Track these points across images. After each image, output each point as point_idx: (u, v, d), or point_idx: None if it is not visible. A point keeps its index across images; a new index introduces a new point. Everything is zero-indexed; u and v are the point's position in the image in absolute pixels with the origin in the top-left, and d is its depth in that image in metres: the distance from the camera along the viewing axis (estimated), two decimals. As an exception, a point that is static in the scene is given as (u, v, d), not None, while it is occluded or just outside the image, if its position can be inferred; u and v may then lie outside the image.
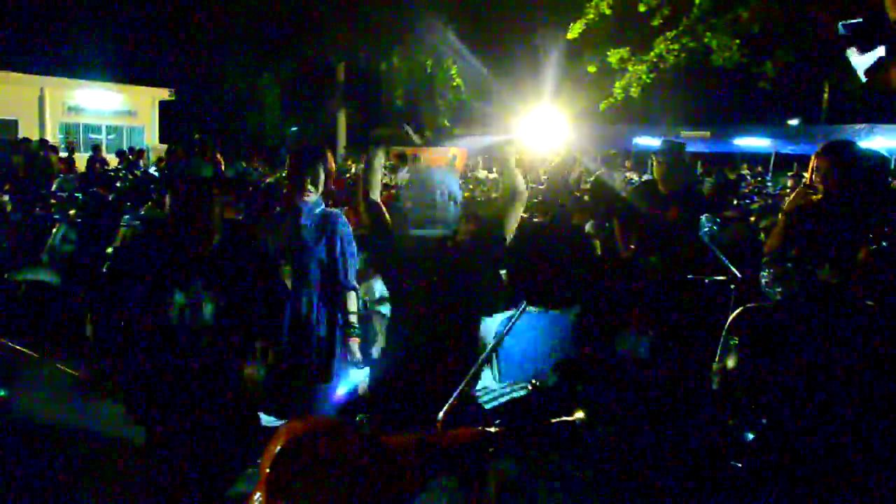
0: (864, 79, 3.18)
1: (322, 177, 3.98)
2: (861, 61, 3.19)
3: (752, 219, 9.18)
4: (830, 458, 2.85)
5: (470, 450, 1.31)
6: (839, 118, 24.15)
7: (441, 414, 1.30)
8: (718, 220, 3.42)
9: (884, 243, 2.72)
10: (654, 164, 4.75)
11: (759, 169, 20.54)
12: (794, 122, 30.46)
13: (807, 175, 3.40)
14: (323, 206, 4.04)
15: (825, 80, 24.38)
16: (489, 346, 1.39)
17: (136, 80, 27.34)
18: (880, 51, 3.22)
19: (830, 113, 26.70)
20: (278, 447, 1.12)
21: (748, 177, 19.09)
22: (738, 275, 3.12)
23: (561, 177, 8.46)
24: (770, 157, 21.97)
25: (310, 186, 3.88)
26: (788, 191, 15.17)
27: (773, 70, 19.27)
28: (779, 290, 2.86)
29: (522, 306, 1.55)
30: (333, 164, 11.97)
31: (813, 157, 3.35)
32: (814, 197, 3.12)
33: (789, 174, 19.18)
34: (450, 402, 1.30)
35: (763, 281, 2.89)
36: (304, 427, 1.14)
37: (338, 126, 28.11)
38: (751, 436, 2.82)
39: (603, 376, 3.78)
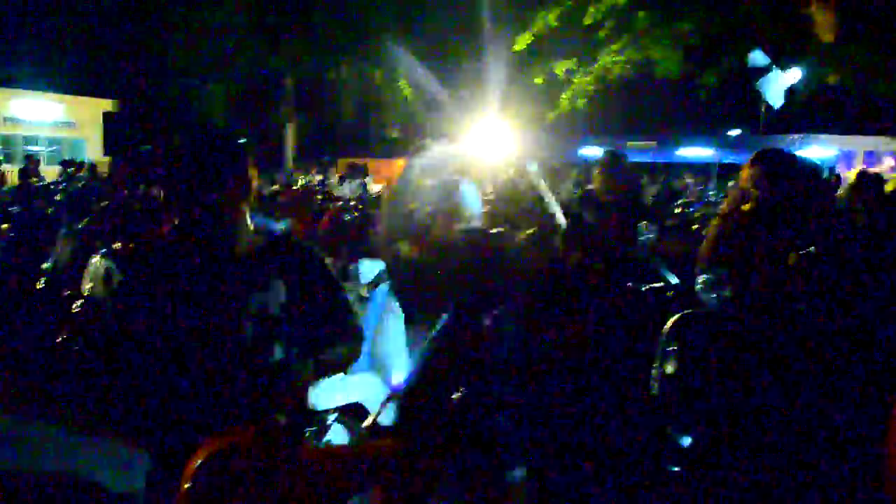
0: (776, 105, 3.29)
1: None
2: (771, 87, 3.29)
3: (695, 227, 9.38)
4: (767, 460, 2.90)
5: (393, 460, 1.30)
6: (777, 128, 24.88)
7: (366, 424, 1.28)
8: (657, 228, 3.48)
9: (812, 248, 2.80)
10: (595, 173, 4.82)
11: (702, 178, 21.00)
12: (735, 132, 31.26)
13: (741, 181, 3.49)
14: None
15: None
16: (419, 355, 1.38)
17: (78, 90, 26.69)
18: (794, 74, 3.33)
19: (769, 123, 27.49)
20: (198, 462, 1.09)
21: (692, 185, 19.52)
22: (676, 282, 3.18)
23: (511, 189, 8.52)
24: (713, 166, 22.50)
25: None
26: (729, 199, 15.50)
27: (715, 82, 19.76)
28: (713, 296, 2.92)
29: (446, 316, 1.55)
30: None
31: (745, 166, 3.43)
32: (745, 206, 3.19)
33: (731, 183, 19.68)
34: (375, 412, 1.29)
35: (698, 287, 2.95)
36: (224, 442, 1.11)
37: (286, 138, 27.87)
38: (688, 440, 2.86)
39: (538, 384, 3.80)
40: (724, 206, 3.32)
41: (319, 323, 2.08)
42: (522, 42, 19.44)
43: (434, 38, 21.95)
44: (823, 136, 18.39)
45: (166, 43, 24.02)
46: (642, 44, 18.72)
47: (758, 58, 3.84)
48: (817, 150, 18.23)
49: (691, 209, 12.89)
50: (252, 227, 2.33)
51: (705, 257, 3.11)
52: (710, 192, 16.70)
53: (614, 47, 18.88)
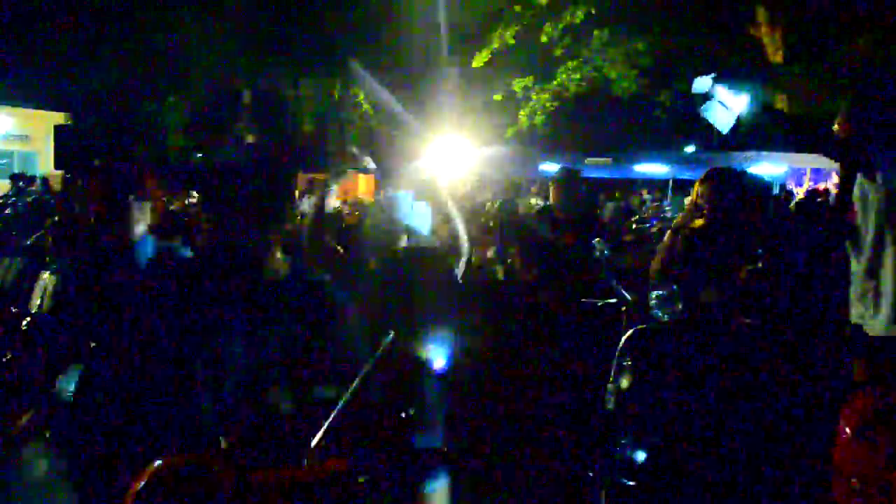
0: (724, 131, 3.37)
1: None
2: (717, 114, 3.38)
3: (650, 243, 9.53)
4: (720, 473, 2.94)
5: (339, 482, 1.29)
6: (730, 146, 25.45)
7: (312, 444, 1.28)
8: (610, 243, 3.54)
9: (760, 264, 2.88)
10: (551, 190, 4.88)
11: (658, 194, 21.37)
12: (690, 148, 31.85)
13: (691, 198, 3.55)
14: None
15: (716, 110, 25.64)
16: (359, 375, 1.37)
17: (29, 102, 26.09)
18: (742, 101, 3.41)
19: (722, 141, 28.11)
20: (140, 485, 1.08)
21: (648, 202, 19.84)
22: (629, 297, 3.23)
23: (469, 204, 8.59)
24: (668, 182, 22.90)
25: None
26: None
27: (669, 100, 20.20)
28: (666, 310, 2.97)
29: (390, 336, 1.54)
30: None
31: (697, 183, 3.51)
32: (697, 221, 3.26)
33: (686, 199, 20.03)
34: (321, 432, 1.28)
35: (651, 303, 2.99)
36: (167, 465, 1.10)
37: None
38: (642, 455, 2.89)
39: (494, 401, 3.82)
40: (676, 220, 3.40)
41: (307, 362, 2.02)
42: (481, 59, 19.66)
43: (394, 54, 22.02)
44: (774, 154, 18.83)
45: (120, 55, 23.67)
46: (598, 62, 19.10)
47: (702, 84, 3.94)
48: (768, 166, 18.67)
49: (648, 225, 13.10)
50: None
51: (657, 271, 3.17)
52: (667, 208, 17.00)
53: (571, 65, 19.20)
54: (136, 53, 23.72)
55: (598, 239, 3.53)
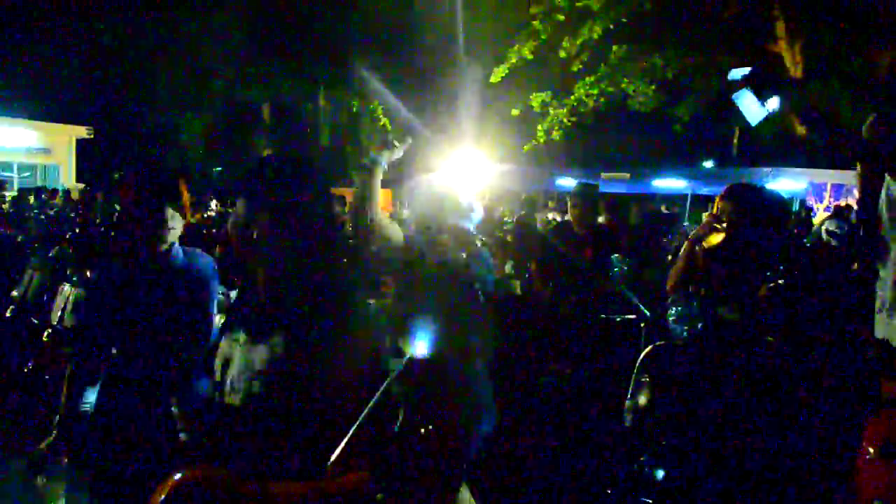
0: (753, 123, 3.36)
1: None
2: (749, 105, 3.36)
3: (670, 257, 9.46)
4: (739, 492, 2.91)
5: (358, 497, 1.28)
6: (749, 161, 25.33)
7: (332, 458, 1.27)
8: (629, 259, 3.51)
9: (780, 281, 2.85)
10: (569, 205, 4.87)
11: (676, 209, 21.26)
12: (708, 164, 31.76)
13: (712, 211, 3.52)
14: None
15: (735, 125, 25.60)
16: (380, 390, 1.37)
17: (51, 116, 26.47)
18: (773, 101, 3.40)
19: (741, 156, 27.99)
20: (161, 497, 1.08)
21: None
22: (647, 313, 3.20)
23: (487, 219, 8.57)
24: (686, 197, 22.80)
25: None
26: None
27: (687, 114, 20.15)
28: (685, 327, 2.95)
29: (408, 356, 1.54)
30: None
31: (717, 199, 3.48)
32: (712, 239, 3.23)
33: (705, 214, 19.91)
34: (341, 446, 1.28)
35: (670, 319, 2.97)
36: (188, 477, 1.10)
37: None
38: (661, 472, 2.86)
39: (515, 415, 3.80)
40: (694, 233, 3.37)
41: None
42: (499, 74, 19.70)
43: (412, 68, 22.15)
44: (793, 170, 18.70)
45: (141, 70, 24.00)
46: (616, 77, 19.10)
47: (736, 73, 3.98)
48: (787, 182, 18.53)
49: (667, 240, 13.01)
50: None
51: (674, 286, 3.15)
52: (685, 224, 16.91)
53: (588, 80, 19.21)
54: (156, 68, 24.04)
55: (617, 255, 3.51)
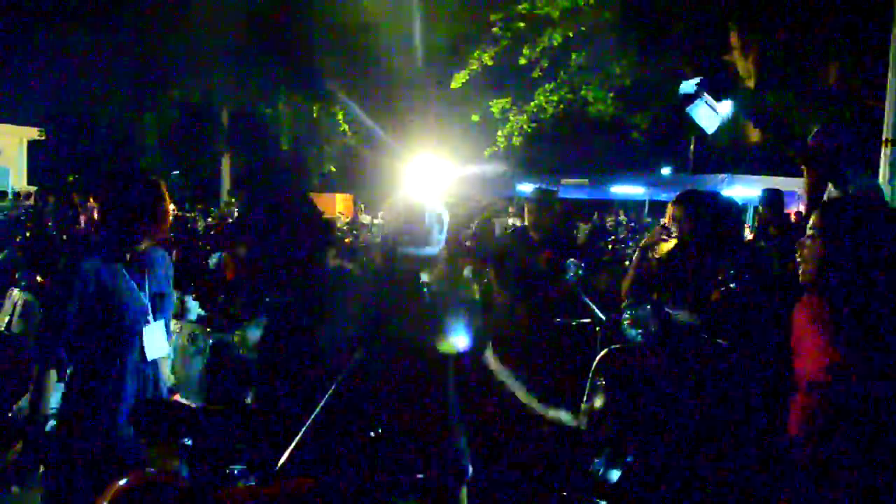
0: (709, 132, 3.45)
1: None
2: (703, 115, 3.45)
3: (626, 262, 9.58)
4: (692, 493, 2.95)
5: (306, 501, 1.27)
6: (704, 168, 25.81)
7: (280, 462, 1.26)
8: (586, 264, 3.55)
9: (732, 285, 2.90)
10: (526, 210, 4.90)
11: (634, 215, 21.57)
12: (665, 171, 32.27)
13: (665, 219, 3.58)
14: None
15: (691, 134, 26.07)
16: (327, 393, 1.36)
17: (1, 117, 25.81)
18: (726, 106, 3.49)
19: (696, 163, 28.51)
20: (109, 497, 1.06)
21: (624, 222, 20.00)
22: (603, 317, 3.24)
23: (455, 227, 8.55)
24: (644, 203, 23.11)
25: None
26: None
27: (644, 122, 20.45)
28: (639, 331, 2.98)
29: (360, 353, 1.54)
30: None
31: (669, 205, 3.54)
32: (664, 246, 3.28)
33: (663, 221, 20.23)
34: (289, 449, 1.27)
35: (624, 323, 3.01)
36: (131, 483, 1.08)
37: (222, 171, 27.48)
38: (616, 474, 2.88)
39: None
40: (644, 241, 3.42)
41: None
42: (459, 80, 19.77)
43: (372, 74, 22.11)
44: (747, 177, 19.09)
45: (95, 72, 23.51)
46: (575, 85, 19.30)
47: (689, 86, 4.08)
48: (741, 189, 18.93)
49: (624, 246, 13.20)
50: None
51: (627, 291, 3.19)
52: (644, 230, 17.16)
53: (548, 87, 19.38)
54: (112, 70, 23.58)
55: (572, 259, 3.54)
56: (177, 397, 2.98)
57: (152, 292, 3.05)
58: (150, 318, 2.92)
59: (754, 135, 18.25)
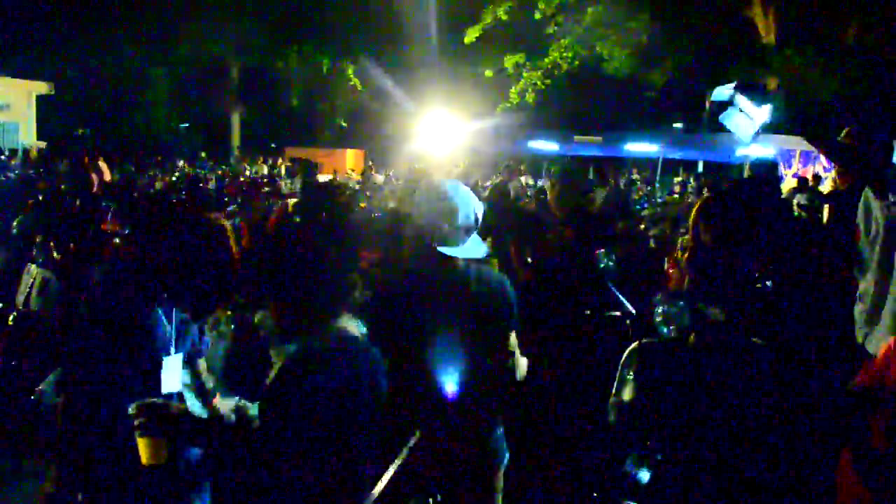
0: (746, 140, 3.32)
1: None
2: (738, 122, 3.32)
3: (643, 226, 9.48)
4: (723, 491, 2.92)
5: None
6: (720, 126, 25.42)
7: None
8: (614, 255, 3.44)
9: (768, 283, 2.83)
10: (550, 186, 4.78)
11: (647, 174, 21.33)
12: (677, 125, 31.79)
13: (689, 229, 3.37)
14: None
15: (707, 90, 25.62)
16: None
17: (9, 71, 25.52)
18: (764, 112, 3.36)
19: (711, 121, 28.09)
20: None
21: (638, 182, 19.81)
22: (633, 311, 3.17)
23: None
24: (657, 161, 22.82)
25: None
26: (676, 196, 15.85)
27: (661, 80, 20.11)
28: (673, 327, 2.92)
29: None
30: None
31: (693, 212, 3.36)
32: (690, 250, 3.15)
33: (676, 180, 20.04)
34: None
35: (656, 319, 2.94)
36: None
37: (231, 125, 27.28)
38: (646, 473, 2.85)
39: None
40: (683, 240, 3.27)
41: None
42: (472, 35, 19.45)
43: (384, 28, 21.73)
44: (766, 135, 18.85)
45: (105, 25, 23.20)
46: (591, 40, 18.96)
47: (722, 92, 3.93)
48: (756, 148, 18.63)
49: (639, 207, 13.04)
50: None
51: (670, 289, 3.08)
52: (657, 194, 16.97)
53: (563, 43, 19.06)
54: (122, 23, 23.27)
55: (602, 250, 3.45)
56: (216, 401, 2.83)
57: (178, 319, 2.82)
58: (172, 348, 2.74)
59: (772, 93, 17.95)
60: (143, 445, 2.13)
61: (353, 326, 2.25)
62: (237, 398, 2.83)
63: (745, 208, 3.24)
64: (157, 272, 2.59)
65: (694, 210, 3.32)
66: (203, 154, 23.86)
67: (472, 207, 2.67)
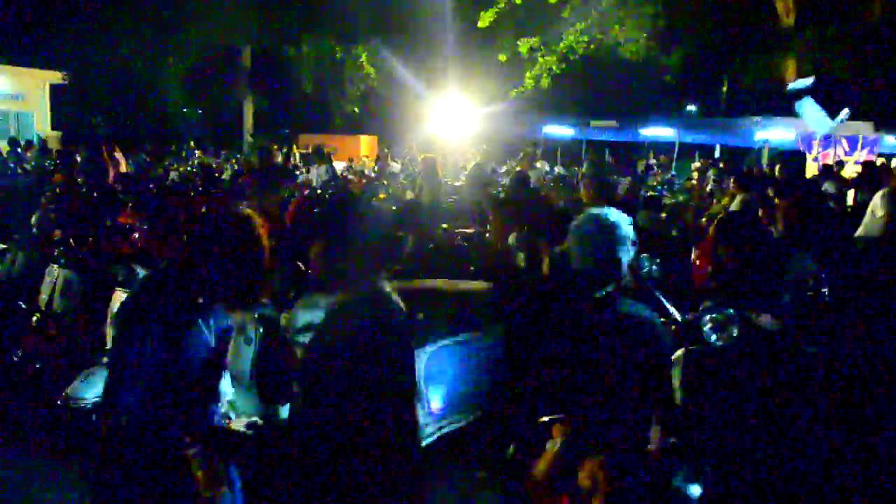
0: (819, 130, 3.19)
1: None
2: (812, 113, 3.20)
3: (664, 215, 9.32)
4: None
5: None
6: (736, 109, 25.12)
7: None
8: (658, 260, 3.31)
9: (824, 290, 2.72)
10: (583, 186, 4.66)
11: (664, 158, 21.07)
12: (691, 108, 31.43)
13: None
14: None
15: (724, 74, 25.29)
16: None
17: (23, 61, 25.47)
18: (844, 113, 3.24)
19: (728, 105, 27.76)
20: None
21: (655, 166, 19.61)
22: (679, 318, 3.05)
23: (479, 180, 8.26)
24: (674, 144, 22.57)
25: None
26: (694, 182, 15.65)
27: (678, 64, 19.82)
28: (720, 335, 2.82)
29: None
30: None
31: (712, 230, 3.23)
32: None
33: (694, 166, 19.81)
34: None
35: (705, 328, 2.84)
36: None
37: (244, 112, 27.18)
38: (697, 488, 2.75)
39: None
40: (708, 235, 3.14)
41: None
42: (486, 18, 19.21)
43: (397, 13, 21.53)
44: (782, 119, 18.50)
45: (117, 12, 23.09)
46: (606, 24, 18.68)
47: (803, 82, 3.85)
48: (777, 131, 18.34)
49: (657, 192, 12.87)
50: None
51: (713, 291, 2.98)
52: (675, 179, 16.76)
53: (579, 27, 18.79)
54: (134, 10, 23.17)
55: (646, 254, 3.33)
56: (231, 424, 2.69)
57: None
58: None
59: (790, 74, 17.61)
60: (202, 475, 2.08)
61: (387, 284, 2.39)
62: (251, 417, 2.78)
63: (760, 226, 3.13)
64: (199, 275, 2.44)
65: (712, 229, 3.20)
66: (211, 145, 23.77)
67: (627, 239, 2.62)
